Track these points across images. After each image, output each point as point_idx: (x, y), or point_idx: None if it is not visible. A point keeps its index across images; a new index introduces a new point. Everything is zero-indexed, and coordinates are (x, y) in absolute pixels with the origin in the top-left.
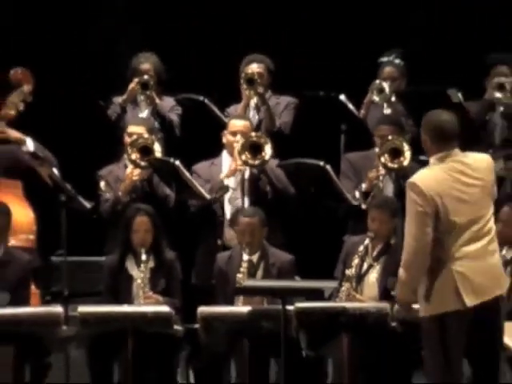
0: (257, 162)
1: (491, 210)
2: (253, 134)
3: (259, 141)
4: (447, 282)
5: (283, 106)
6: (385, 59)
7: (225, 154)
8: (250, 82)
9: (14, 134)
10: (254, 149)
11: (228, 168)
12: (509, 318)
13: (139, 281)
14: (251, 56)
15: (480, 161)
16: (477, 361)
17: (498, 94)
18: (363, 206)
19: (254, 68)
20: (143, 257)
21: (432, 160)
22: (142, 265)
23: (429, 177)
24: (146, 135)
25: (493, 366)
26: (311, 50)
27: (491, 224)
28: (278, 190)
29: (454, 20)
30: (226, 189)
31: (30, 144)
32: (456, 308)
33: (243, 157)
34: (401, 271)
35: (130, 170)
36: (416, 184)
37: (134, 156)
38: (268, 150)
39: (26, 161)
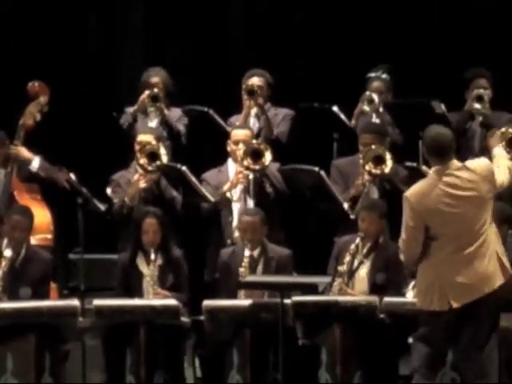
0: (257, 167)
1: (485, 217)
2: (254, 141)
3: (260, 147)
4: (437, 284)
5: (281, 117)
6: (373, 74)
7: (230, 161)
8: (251, 93)
9: (24, 153)
10: (255, 155)
11: (233, 176)
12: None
13: (148, 278)
14: (252, 70)
15: (475, 171)
16: (463, 353)
17: (477, 105)
18: (352, 217)
19: (255, 81)
20: (152, 256)
21: (431, 171)
22: (151, 263)
23: (421, 193)
24: (153, 142)
25: (480, 358)
26: (307, 65)
27: (484, 230)
28: (280, 191)
29: (437, 38)
30: (228, 200)
31: (35, 164)
32: (441, 308)
33: (245, 162)
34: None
35: (137, 178)
36: (408, 199)
37: (143, 161)
38: (268, 156)
39: (44, 169)
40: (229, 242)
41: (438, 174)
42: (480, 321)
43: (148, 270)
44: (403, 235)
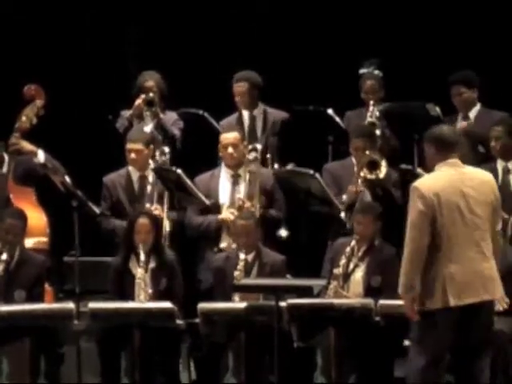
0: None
1: (489, 223)
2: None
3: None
4: (438, 282)
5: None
6: (364, 70)
7: (223, 166)
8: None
9: (27, 146)
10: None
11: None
12: None
13: (140, 281)
14: (237, 74)
15: (480, 174)
16: (460, 360)
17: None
18: (348, 226)
19: (237, 86)
20: (142, 257)
21: (438, 166)
22: (142, 265)
23: (432, 180)
24: (143, 148)
25: (474, 367)
26: (303, 68)
27: (488, 235)
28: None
29: (429, 40)
30: (219, 207)
31: (41, 156)
32: (442, 306)
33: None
34: (401, 270)
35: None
36: (417, 187)
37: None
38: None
39: (40, 170)
40: (215, 249)
41: (447, 168)
42: (479, 327)
43: (140, 272)
44: (411, 231)
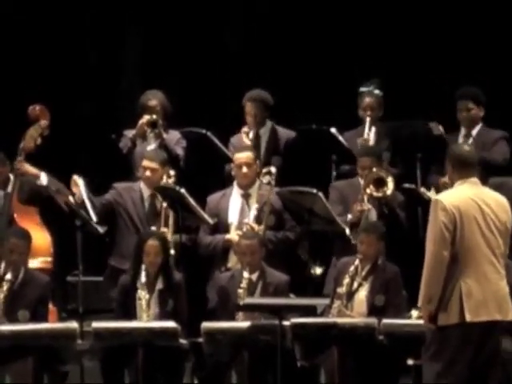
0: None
1: (505, 243)
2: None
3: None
4: (455, 296)
5: (283, 142)
6: (365, 89)
7: (235, 186)
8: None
9: (31, 169)
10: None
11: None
12: None
13: (143, 302)
14: (248, 93)
15: (496, 196)
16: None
17: None
18: (353, 242)
19: (246, 106)
20: (143, 279)
21: (458, 183)
22: (145, 287)
23: (453, 195)
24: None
25: None
26: (305, 87)
27: (503, 253)
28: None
29: (431, 57)
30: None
31: (43, 178)
32: (458, 321)
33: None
34: (422, 281)
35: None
36: (440, 200)
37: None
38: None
39: (44, 191)
40: (223, 269)
41: (466, 186)
42: (490, 345)
43: (144, 293)
44: (431, 245)
